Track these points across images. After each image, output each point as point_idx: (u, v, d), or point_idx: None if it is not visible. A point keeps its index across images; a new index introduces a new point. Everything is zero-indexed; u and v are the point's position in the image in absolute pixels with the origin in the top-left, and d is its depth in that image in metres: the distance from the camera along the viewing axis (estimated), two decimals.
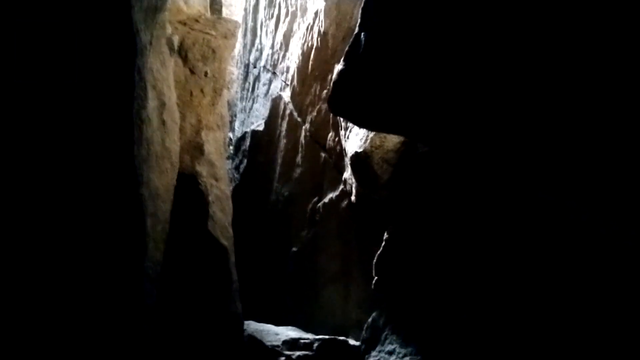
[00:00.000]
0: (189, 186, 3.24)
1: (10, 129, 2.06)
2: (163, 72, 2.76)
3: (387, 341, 3.71)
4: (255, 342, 3.68)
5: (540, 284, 2.73)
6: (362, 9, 2.64)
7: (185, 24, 3.42)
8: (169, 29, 3.06)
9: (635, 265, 2.15)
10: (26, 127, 2.08)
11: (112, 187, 2.18)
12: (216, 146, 3.50)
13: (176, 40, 3.18)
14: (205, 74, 3.45)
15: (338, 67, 2.81)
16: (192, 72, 3.39)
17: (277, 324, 4.67)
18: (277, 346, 3.67)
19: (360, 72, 2.58)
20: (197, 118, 3.40)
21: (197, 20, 3.47)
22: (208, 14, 3.70)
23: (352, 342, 3.90)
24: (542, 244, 2.76)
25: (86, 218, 2.15)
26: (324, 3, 4.76)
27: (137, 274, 2.35)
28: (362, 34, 2.61)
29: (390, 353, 3.63)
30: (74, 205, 2.14)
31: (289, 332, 4.01)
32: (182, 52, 3.33)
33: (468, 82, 2.24)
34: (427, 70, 2.37)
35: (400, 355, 3.55)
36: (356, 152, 3.73)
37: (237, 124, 7.54)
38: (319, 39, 4.88)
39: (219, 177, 3.49)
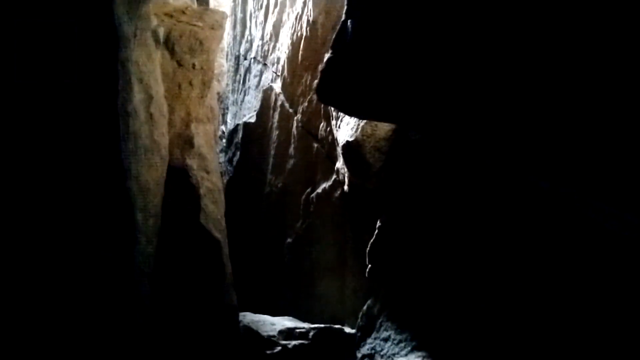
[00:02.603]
0: (180, 179, 3.23)
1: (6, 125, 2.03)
2: (149, 64, 2.73)
3: (383, 328, 3.73)
4: (252, 332, 3.70)
5: (532, 270, 2.74)
6: None
7: (171, 15, 3.38)
8: (154, 21, 3.03)
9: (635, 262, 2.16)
10: (10, 123, 2.06)
11: (99, 182, 2.16)
12: (206, 139, 3.49)
13: (162, 32, 3.14)
14: (193, 66, 3.42)
15: (326, 55, 2.79)
16: (179, 64, 3.36)
17: (275, 315, 4.70)
18: (273, 336, 3.69)
19: (347, 60, 2.56)
20: (186, 111, 3.38)
21: (183, 12, 3.44)
22: (195, 5, 3.65)
23: (347, 330, 3.93)
24: (534, 230, 2.77)
25: (74, 214, 2.13)
26: None
27: (129, 269, 2.34)
28: (349, 21, 2.60)
29: (386, 340, 3.65)
30: (61, 201, 2.12)
31: (285, 322, 4.03)
32: (169, 45, 3.30)
33: (457, 67, 2.23)
34: (415, 56, 2.36)
35: (396, 341, 3.58)
36: (347, 142, 3.73)
37: (229, 117, 7.51)
38: (308, 28, 4.85)
39: (210, 169, 3.47)
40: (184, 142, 3.30)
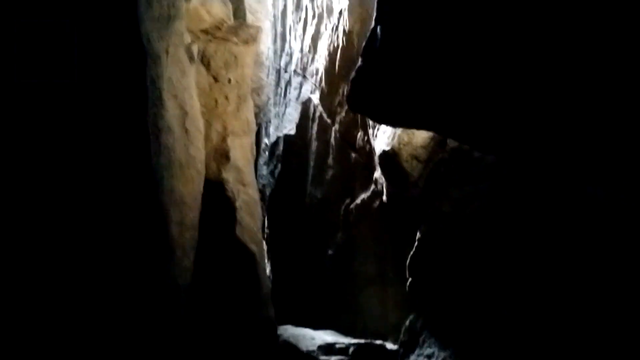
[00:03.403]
0: (217, 193, 3.26)
1: (34, 143, 2.13)
2: (183, 81, 2.79)
3: (426, 344, 3.59)
4: (291, 347, 3.66)
5: (578, 284, 2.54)
6: (378, 1, 2.57)
7: (207, 32, 3.46)
8: (188, 38, 3.10)
9: None
10: (42, 139, 2.14)
11: (131, 196, 2.20)
12: (243, 152, 3.51)
13: (195, 49, 3.21)
14: (229, 80, 3.47)
15: (357, 63, 2.75)
16: (215, 79, 3.43)
17: (317, 328, 4.63)
18: (313, 351, 3.63)
19: (377, 67, 2.50)
20: (223, 125, 3.43)
21: (219, 28, 3.51)
22: (230, 21, 3.72)
23: (389, 346, 3.81)
24: (582, 242, 2.58)
25: (106, 228, 2.18)
26: (347, 2, 4.70)
27: (162, 282, 2.37)
28: (379, 27, 2.54)
29: (429, 357, 3.50)
30: (95, 215, 2.18)
31: (325, 337, 3.96)
32: (204, 61, 3.37)
33: (489, 72, 2.12)
34: (447, 62, 2.27)
35: (440, 358, 3.42)
36: (384, 151, 3.64)
37: (271, 129, 7.59)
38: (344, 38, 4.82)
39: (247, 182, 3.49)
40: (220, 155, 3.34)
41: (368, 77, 2.55)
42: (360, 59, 2.66)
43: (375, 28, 2.54)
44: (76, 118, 2.15)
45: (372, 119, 3.32)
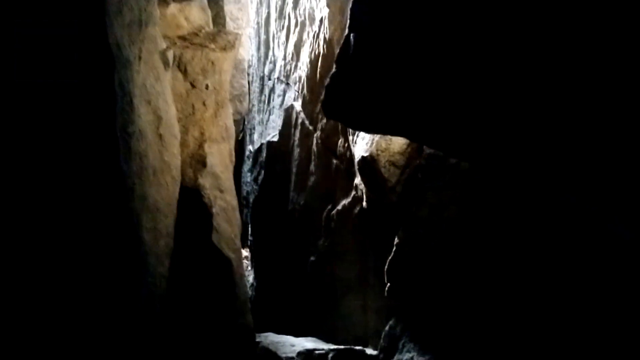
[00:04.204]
0: (193, 199, 3.24)
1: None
2: (158, 86, 2.78)
3: (405, 349, 3.59)
4: (270, 353, 3.64)
5: (555, 287, 2.57)
6: (351, 9, 2.59)
7: (185, 38, 3.46)
8: (163, 44, 3.09)
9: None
10: (7, 145, 2.09)
11: (98, 203, 2.17)
12: (221, 158, 3.50)
13: (171, 54, 3.20)
14: (206, 86, 3.46)
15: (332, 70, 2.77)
16: (192, 85, 3.42)
17: (299, 335, 4.61)
18: (292, 358, 3.61)
19: (351, 74, 2.52)
20: (200, 131, 3.42)
21: (197, 34, 3.51)
22: (209, 28, 3.73)
23: (369, 351, 3.80)
24: (557, 246, 2.61)
25: (75, 235, 2.14)
26: (327, 10, 4.74)
27: (134, 289, 2.33)
28: (352, 35, 2.56)
29: None
30: (63, 222, 2.14)
31: (305, 343, 3.94)
32: (181, 66, 3.36)
33: (459, 82, 2.14)
34: (418, 69, 2.29)
35: None
36: (363, 157, 3.66)
37: (255, 136, 7.59)
38: (324, 46, 4.85)
39: (224, 188, 3.48)
40: (197, 162, 3.32)
41: (342, 83, 2.57)
42: (334, 66, 2.68)
43: (348, 35, 2.57)
44: (39, 122, 2.12)
45: (346, 126, 3.34)
